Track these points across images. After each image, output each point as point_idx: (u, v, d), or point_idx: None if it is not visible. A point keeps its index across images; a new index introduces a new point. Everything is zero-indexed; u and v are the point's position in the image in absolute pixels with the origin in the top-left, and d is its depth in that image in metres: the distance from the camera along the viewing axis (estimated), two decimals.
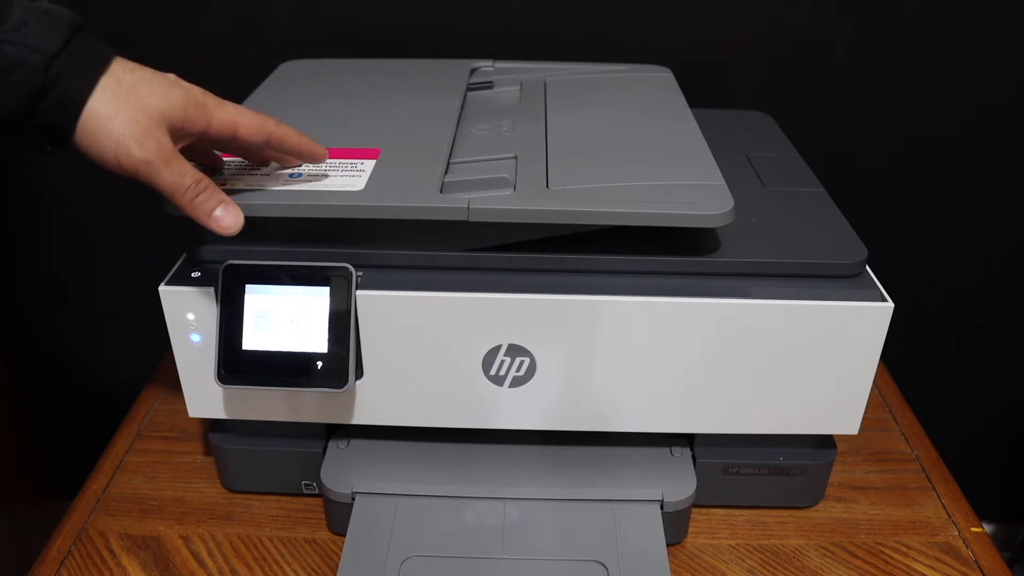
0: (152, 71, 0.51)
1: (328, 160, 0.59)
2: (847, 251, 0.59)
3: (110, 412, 0.86)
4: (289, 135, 0.56)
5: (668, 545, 0.60)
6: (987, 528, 0.81)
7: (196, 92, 0.52)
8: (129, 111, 0.48)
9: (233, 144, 0.55)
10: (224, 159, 0.60)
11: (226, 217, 0.52)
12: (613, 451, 0.64)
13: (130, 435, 0.75)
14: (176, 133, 0.51)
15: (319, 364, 0.56)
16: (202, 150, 0.57)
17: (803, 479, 0.66)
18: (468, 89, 0.76)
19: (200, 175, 0.51)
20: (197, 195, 0.51)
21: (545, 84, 0.78)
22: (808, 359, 0.58)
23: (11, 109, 0.47)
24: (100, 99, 0.48)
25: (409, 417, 0.61)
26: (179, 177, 0.50)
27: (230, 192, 0.56)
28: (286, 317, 0.56)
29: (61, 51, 0.47)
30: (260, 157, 0.59)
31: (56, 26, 0.47)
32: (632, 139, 0.65)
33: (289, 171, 0.59)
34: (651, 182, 0.58)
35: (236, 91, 0.72)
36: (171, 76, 0.52)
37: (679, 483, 0.62)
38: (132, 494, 0.68)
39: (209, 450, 0.70)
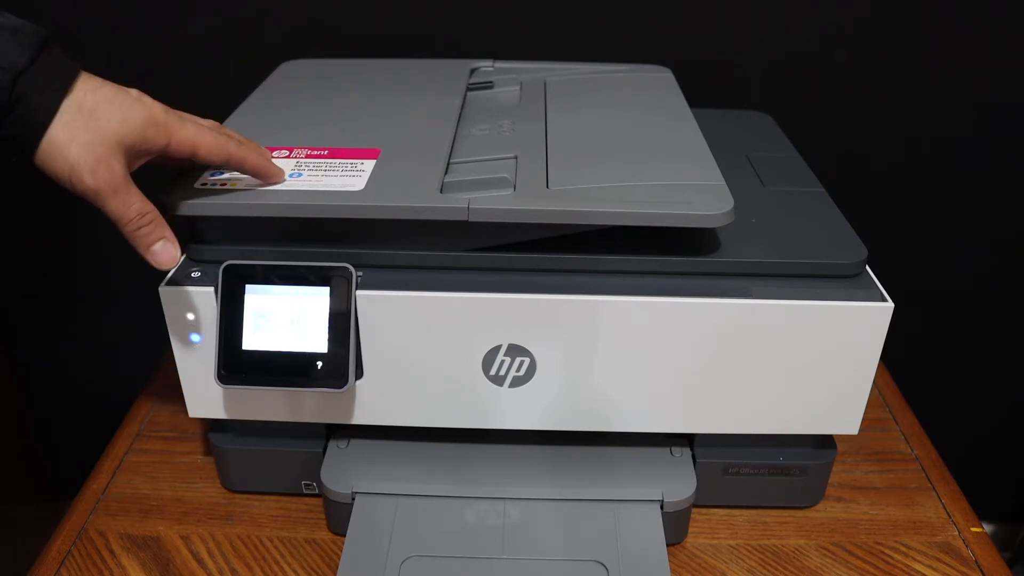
0: (115, 88, 0.51)
1: (328, 160, 0.60)
2: (847, 251, 0.59)
3: (110, 412, 0.86)
4: (248, 157, 0.56)
5: (668, 545, 0.60)
6: (987, 528, 0.80)
7: (158, 110, 0.52)
8: (87, 136, 0.48)
9: (194, 161, 0.55)
10: None
11: (162, 253, 0.53)
12: (613, 451, 0.64)
13: (130, 435, 0.75)
14: (134, 153, 0.51)
15: (319, 364, 0.56)
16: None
17: (803, 479, 0.66)
18: (468, 89, 0.76)
19: (146, 209, 0.52)
20: (138, 228, 0.52)
21: (545, 84, 0.78)
22: (808, 359, 0.58)
23: None
24: (60, 124, 0.48)
25: (409, 417, 0.61)
26: (123, 209, 0.51)
27: (231, 192, 0.56)
28: (286, 317, 0.56)
29: (27, 68, 0.47)
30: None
31: (22, 43, 0.47)
32: (632, 139, 0.65)
33: (289, 171, 0.59)
34: (651, 182, 0.58)
35: (236, 91, 0.73)
36: (134, 93, 0.52)
37: (679, 483, 0.62)
38: (132, 494, 0.68)
39: (209, 450, 0.70)
